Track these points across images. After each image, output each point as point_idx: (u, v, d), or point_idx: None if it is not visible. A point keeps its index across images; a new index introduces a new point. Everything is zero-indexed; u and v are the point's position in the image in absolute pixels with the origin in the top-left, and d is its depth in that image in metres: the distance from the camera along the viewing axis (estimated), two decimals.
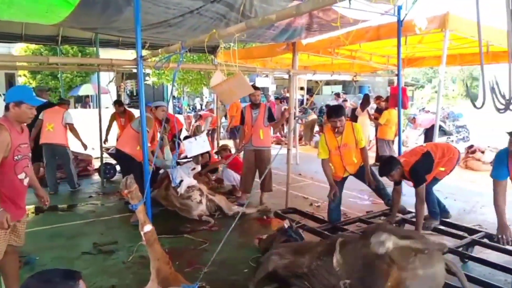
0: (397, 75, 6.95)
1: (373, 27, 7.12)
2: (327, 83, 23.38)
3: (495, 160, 3.59)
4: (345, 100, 14.28)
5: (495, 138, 11.51)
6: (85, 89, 23.41)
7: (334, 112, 4.61)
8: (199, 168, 5.59)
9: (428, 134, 11.28)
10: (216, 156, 7.18)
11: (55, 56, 10.83)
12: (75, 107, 23.45)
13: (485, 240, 3.92)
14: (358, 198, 6.50)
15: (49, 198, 3.33)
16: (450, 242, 3.81)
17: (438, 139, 12.83)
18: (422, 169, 4.15)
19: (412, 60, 10.20)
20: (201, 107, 18.14)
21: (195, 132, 6.28)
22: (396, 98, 6.74)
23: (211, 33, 2.74)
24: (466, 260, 3.81)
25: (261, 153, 5.82)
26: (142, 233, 2.87)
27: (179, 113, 19.15)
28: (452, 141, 13.21)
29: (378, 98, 10.05)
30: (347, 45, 7.79)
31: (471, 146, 9.99)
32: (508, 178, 3.42)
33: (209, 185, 6.10)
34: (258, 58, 10.19)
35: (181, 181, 5.17)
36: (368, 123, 11.08)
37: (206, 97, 22.82)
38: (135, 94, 20.67)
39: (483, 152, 9.51)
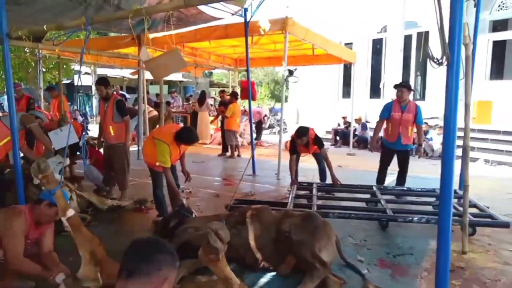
0: (246, 70, 7.75)
1: (221, 26, 7.72)
2: (152, 82, 23.26)
3: (383, 107, 5.64)
4: (187, 99, 15.03)
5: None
6: None
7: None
8: (67, 162, 5.03)
9: (259, 126, 12.71)
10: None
11: None
12: None
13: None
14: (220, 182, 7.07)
15: None
16: None
17: (265, 131, 14.58)
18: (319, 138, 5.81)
19: (244, 61, 11.29)
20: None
21: (61, 123, 5.55)
22: (247, 91, 7.54)
23: (137, 8, 2.69)
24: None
25: (113, 149, 5.46)
26: (64, 219, 2.65)
27: None
28: (274, 132, 15.18)
29: (222, 92, 10.65)
30: (197, 42, 8.20)
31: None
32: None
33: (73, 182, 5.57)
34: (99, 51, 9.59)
35: None
36: (208, 118, 11.76)
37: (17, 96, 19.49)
38: None
39: None
